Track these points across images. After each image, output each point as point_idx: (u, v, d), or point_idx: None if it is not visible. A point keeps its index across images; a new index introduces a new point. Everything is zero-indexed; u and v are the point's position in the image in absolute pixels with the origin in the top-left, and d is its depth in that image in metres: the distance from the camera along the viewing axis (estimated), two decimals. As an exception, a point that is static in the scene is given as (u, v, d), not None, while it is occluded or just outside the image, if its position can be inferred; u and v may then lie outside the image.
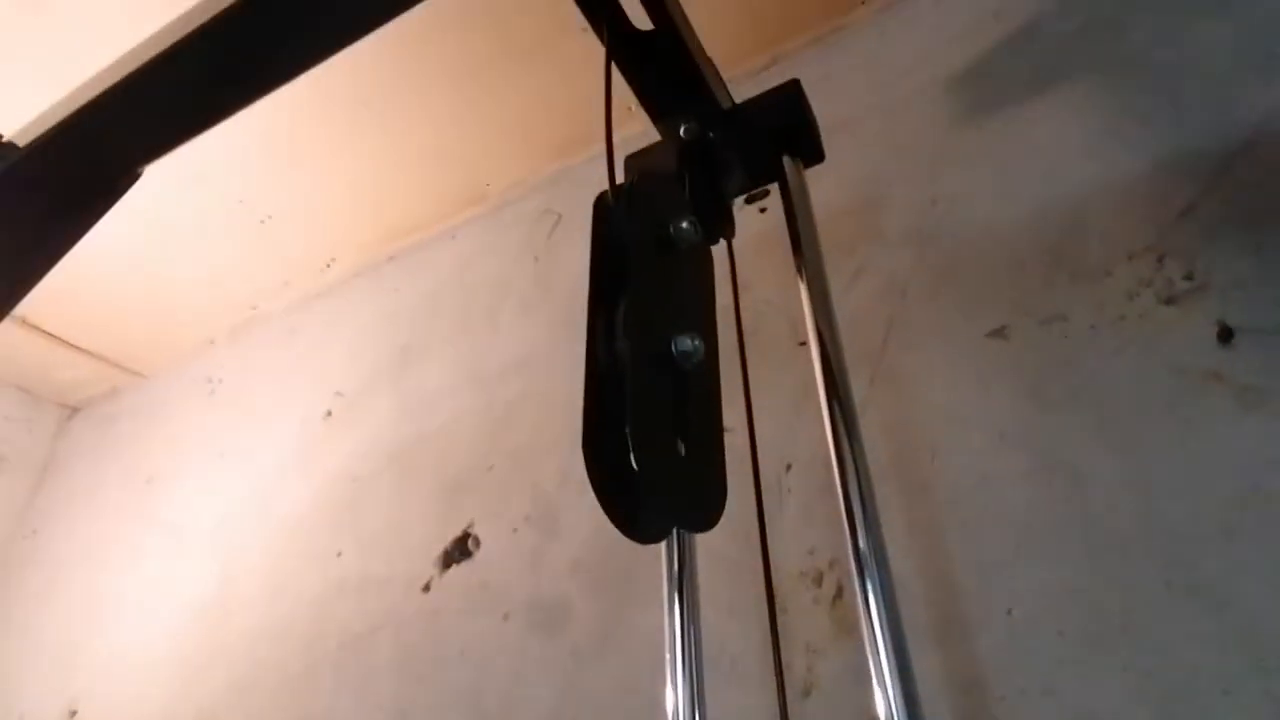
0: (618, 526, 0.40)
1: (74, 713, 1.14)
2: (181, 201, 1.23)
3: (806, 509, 0.72)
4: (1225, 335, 0.60)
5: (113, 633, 1.20)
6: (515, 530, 0.90)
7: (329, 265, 1.37)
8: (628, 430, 0.39)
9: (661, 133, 0.68)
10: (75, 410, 1.63)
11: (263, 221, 1.28)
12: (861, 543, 0.48)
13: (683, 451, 0.43)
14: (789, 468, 0.75)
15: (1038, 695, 0.55)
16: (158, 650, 1.12)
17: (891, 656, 0.45)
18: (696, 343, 0.45)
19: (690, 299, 0.50)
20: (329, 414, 1.21)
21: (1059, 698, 0.55)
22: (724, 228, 0.68)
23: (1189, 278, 0.64)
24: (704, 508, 0.44)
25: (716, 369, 0.50)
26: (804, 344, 0.81)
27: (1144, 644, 0.54)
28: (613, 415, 0.41)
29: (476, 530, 0.94)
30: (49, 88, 0.61)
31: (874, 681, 0.45)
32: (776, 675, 0.56)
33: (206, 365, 1.47)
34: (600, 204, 0.49)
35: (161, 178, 1.17)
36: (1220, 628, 0.52)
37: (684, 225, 0.50)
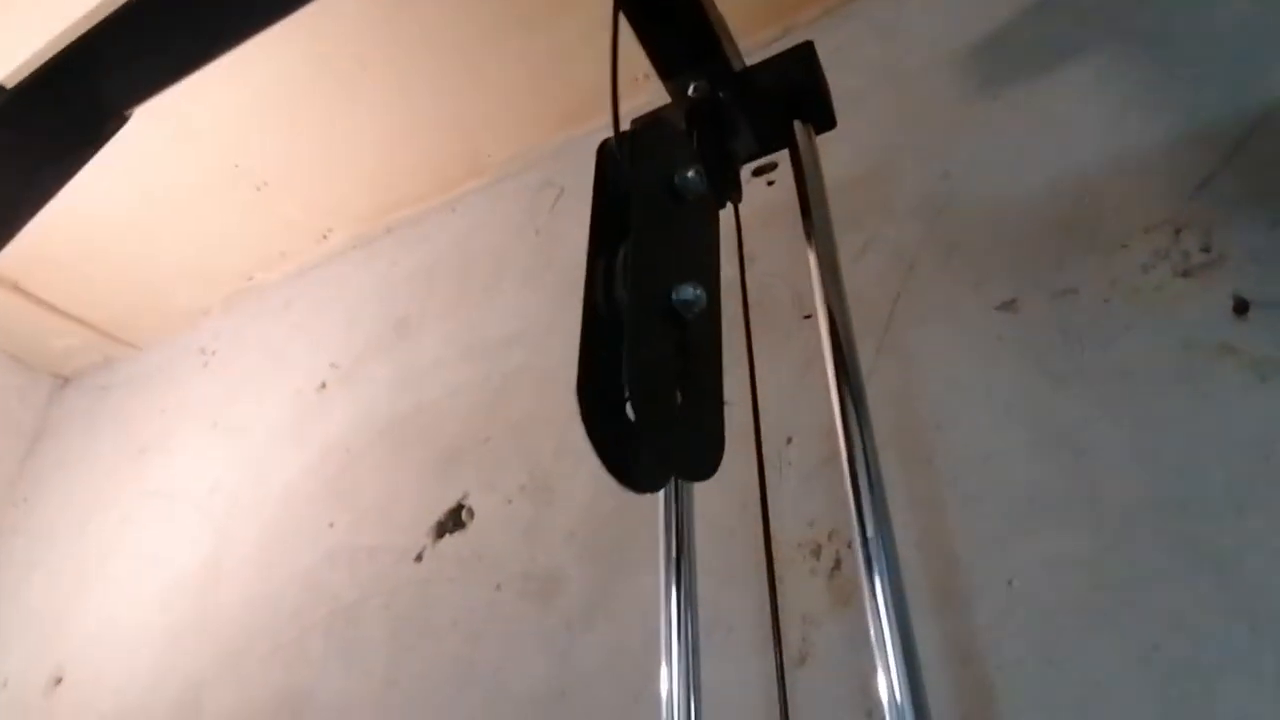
0: (613, 475, 0.39)
1: (59, 680, 1.13)
2: (175, 164, 1.21)
3: (806, 482, 0.71)
4: (1241, 308, 0.59)
5: (101, 601, 1.19)
6: (510, 501, 0.89)
7: (326, 236, 1.36)
8: (624, 377, 0.38)
9: (670, 92, 0.66)
10: (67, 380, 1.62)
11: (259, 189, 1.26)
12: (865, 514, 0.47)
13: (680, 400, 0.42)
14: (790, 440, 0.74)
15: (1038, 665, 0.54)
16: (147, 618, 1.11)
17: (894, 627, 0.44)
18: (698, 292, 0.43)
19: (694, 249, 0.49)
20: (323, 385, 1.19)
21: (1059, 668, 0.54)
22: (731, 191, 0.66)
23: (1206, 250, 0.62)
24: (701, 457, 0.43)
25: (719, 321, 0.49)
26: (808, 317, 0.79)
27: (1149, 616, 0.53)
28: (609, 363, 0.39)
29: (470, 501, 0.93)
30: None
31: (875, 651, 0.44)
32: (775, 644, 0.55)
33: (200, 336, 1.45)
34: (604, 151, 0.47)
35: (157, 138, 1.16)
36: (1228, 600, 0.51)
37: (690, 175, 0.48)
